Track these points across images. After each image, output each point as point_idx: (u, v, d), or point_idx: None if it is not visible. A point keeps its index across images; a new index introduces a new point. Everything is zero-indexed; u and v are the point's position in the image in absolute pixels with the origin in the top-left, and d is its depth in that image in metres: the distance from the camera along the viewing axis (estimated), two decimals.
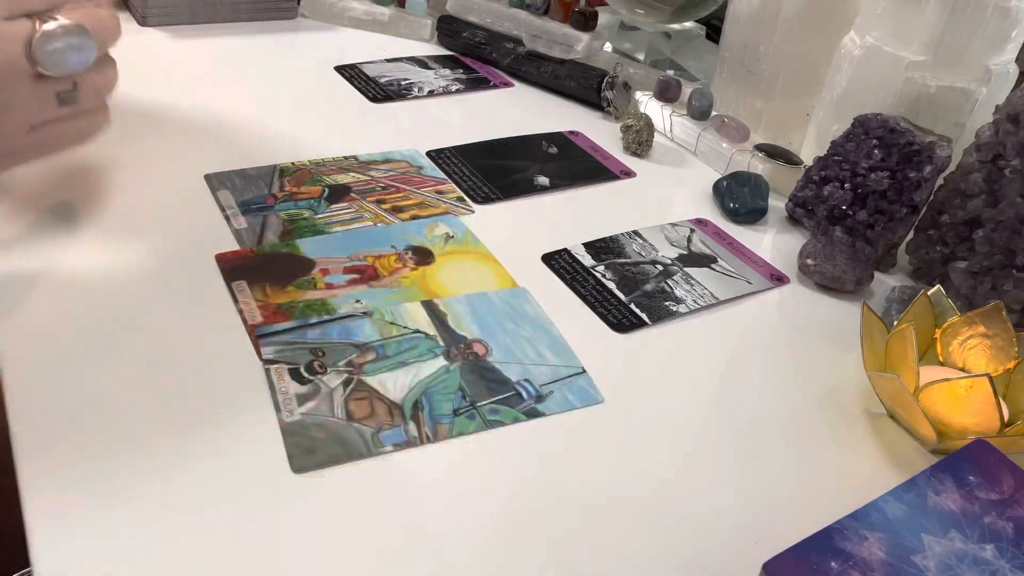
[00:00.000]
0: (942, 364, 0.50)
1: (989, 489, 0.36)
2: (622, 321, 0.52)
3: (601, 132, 0.74)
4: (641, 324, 0.52)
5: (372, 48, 0.82)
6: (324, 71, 0.77)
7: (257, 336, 0.45)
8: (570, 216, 0.62)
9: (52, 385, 0.41)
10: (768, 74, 0.72)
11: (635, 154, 0.71)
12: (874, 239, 0.59)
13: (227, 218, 0.55)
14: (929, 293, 0.50)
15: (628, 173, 0.68)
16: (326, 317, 0.48)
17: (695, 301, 0.54)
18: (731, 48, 0.75)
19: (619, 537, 0.38)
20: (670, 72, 0.82)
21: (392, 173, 0.63)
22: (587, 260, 0.57)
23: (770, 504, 0.41)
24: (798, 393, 0.49)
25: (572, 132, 0.73)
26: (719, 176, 0.67)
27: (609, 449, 0.43)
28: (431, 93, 0.76)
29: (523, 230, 0.59)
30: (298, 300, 0.48)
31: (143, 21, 0.78)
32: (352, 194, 0.59)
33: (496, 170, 0.65)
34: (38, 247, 0.49)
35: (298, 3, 0.85)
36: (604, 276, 0.55)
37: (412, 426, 0.42)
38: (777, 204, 0.66)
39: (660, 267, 0.57)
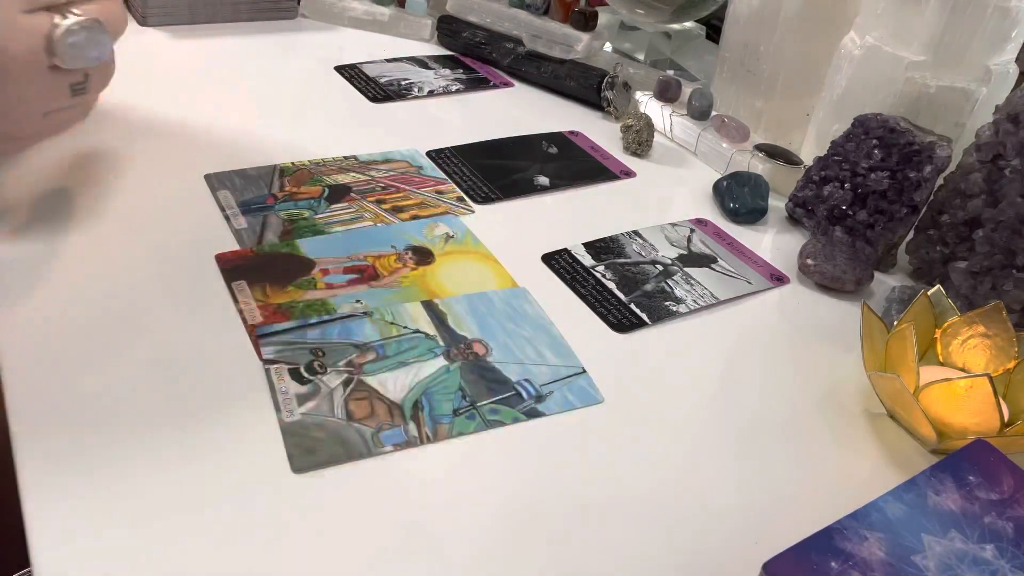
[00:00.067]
0: (942, 364, 0.50)
1: (989, 489, 0.36)
2: (622, 321, 0.52)
3: (601, 132, 0.74)
4: (641, 324, 0.52)
5: (372, 48, 0.82)
6: (324, 71, 0.77)
7: (257, 336, 0.45)
8: (570, 216, 0.62)
9: (52, 385, 0.41)
10: (768, 74, 0.72)
11: (635, 154, 0.71)
12: (874, 239, 0.59)
13: (227, 218, 0.55)
14: (929, 293, 0.50)
15: (628, 173, 0.68)
16: (326, 317, 0.48)
17: (695, 301, 0.54)
18: (731, 48, 0.75)
19: (619, 537, 0.38)
20: (670, 72, 0.82)
21: (392, 173, 0.63)
22: (587, 260, 0.57)
23: (770, 504, 0.41)
24: (798, 393, 0.49)
25: (572, 132, 0.73)
26: (719, 176, 0.67)
27: (609, 449, 0.43)
28: (431, 93, 0.76)
29: (523, 230, 0.59)
30: (298, 300, 0.49)
31: (143, 21, 0.78)
32: (352, 194, 0.59)
33: (496, 170, 0.65)
34: (38, 247, 0.49)
35: (298, 3, 0.85)
36: (604, 276, 0.55)
37: (412, 426, 0.42)
38: (777, 204, 0.66)
39: (660, 267, 0.57)
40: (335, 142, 0.65)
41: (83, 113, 0.50)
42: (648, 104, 0.75)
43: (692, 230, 0.62)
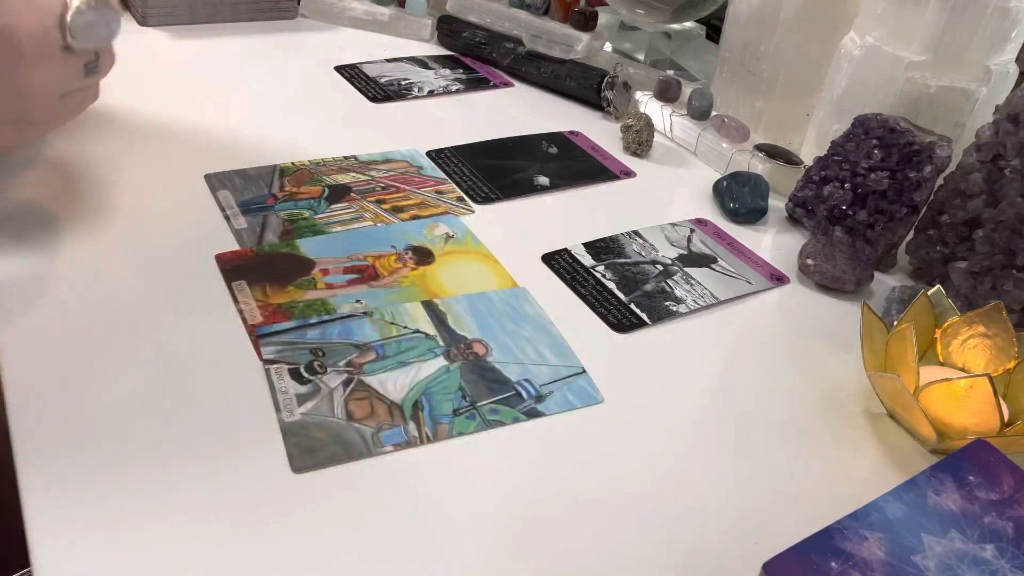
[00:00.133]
0: (942, 364, 0.50)
1: (989, 489, 0.36)
2: (622, 321, 0.52)
3: (601, 132, 0.74)
4: (641, 324, 0.52)
5: (372, 48, 0.82)
6: (324, 71, 0.77)
7: (257, 336, 0.45)
8: (570, 216, 0.62)
9: (52, 385, 0.41)
10: (768, 74, 0.72)
11: (635, 154, 0.71)
12: (874, 239, 0.59)
13: (227, 218, 0.55)
14: (929, 293, 0.50)
15: (628, 173, 0.68)
16: (326, 317, 0.48)
17: (695, 301, 0.54)
18: (731, 48, 0.75)
19: (619, 537, 0.38)
20: (670, 72, 0.82)
21: (392, 173, 0.63)
22: (587, 260, 0.57)
23: (770, 504, 0.41)
24: (798, 393, 0.49)
25: (572, 132, 0.73)
26: (719, 176, 0.67)
27: (609, 449, 0.43)
28: (431, 93, 0.76)
29: (523, 230, 0.59)
30: (298, 300, 0.49)
31: (143, 21, 0.78)
32: (352, 194, 0.59)
33: (496, 170, 0.65)
34: (38, 247, 0.49)
35: (298, 3, 0.85)
36: (604, 276, 0.55)
37: (412, 426, 0.42)
38: (777, 204, 0.66)
39: (660, 267, 0.57)
40: (335, 142, 0.65)
41: (95, 95, 0.51)
42: (648, 104, 0.75)
43: (692, 230, 0.62)
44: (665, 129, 0.75)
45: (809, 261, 0.58)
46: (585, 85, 0.77)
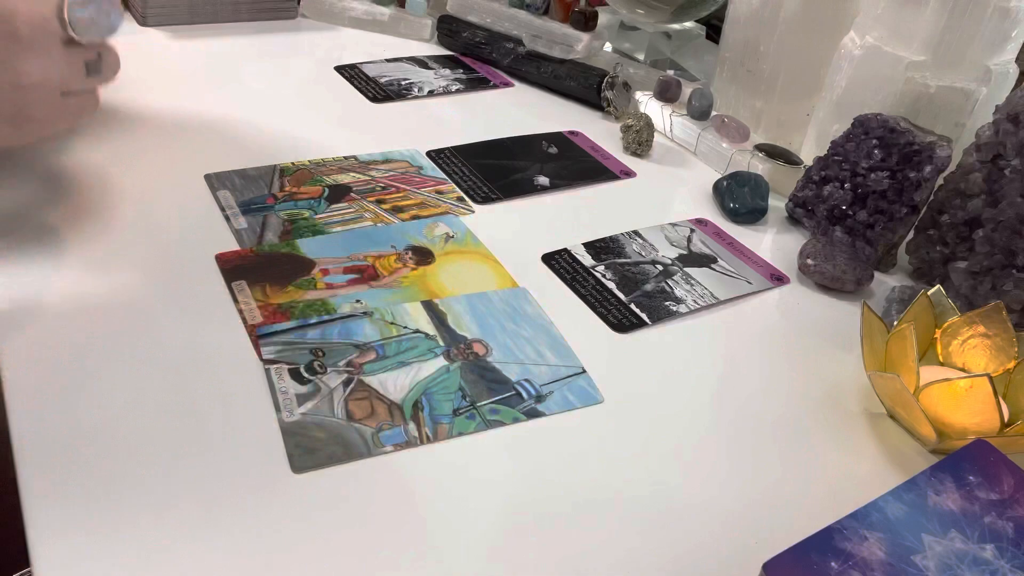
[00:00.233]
0: (942, 364, 0.50)
1: (989, 489, 0.36)
2: (622, 321, 0.52)
3: (601, 132, 0.74)
4: (641, 324, 0.52)
5: (372, 48, 0.82)
6: (324, 71, 0.77)
7: (257, 336, 0.45)
8: (570, 216, 0.62)
9: (52, 385, 0.41)
10: (768, 74, 0.72)
11: (635, 154, 0.71)
12: (874, 239, 0.59)
13: (227, 218, 0.55)
14: (929, 293, 0.50)
15: (628, 173, 0.68)
16: (326, 317, 0.48)
17: (695, 301, 0.54)
18: (731, 48, 0.75)
19: (619, 537, 0.38)
20: (670, 72, 0.82)
21: (392, 173, 0.63)
22: (587, 260, 0.57)
23: (770, 504, 0.41)
24: (798, 393, 0.49)
25: (572, 132, 0.73)
26: (719, 176, 0.67)
27: (609, 449, 0.43)
28: (431, 93, 0.76)
29: (523, 230, 0.59)
30: (298, 300, 0.49)
31: (143, 21, 0.78)
32: (352, 194, 0.59)
33: (496, 170, 0.65)
34: (38, 246, 0.49)
35: (298, 3, 0.85)
36: (604, 276, 0.55)
37: (412, 426, 0.42)
38: (777, 204, 0.66)
39: (660, 267, 0.57)
40: (335, 142, 0.65)
41: (95, 103, 0.50)
42: (648, 104, 0.75)
43: (692, 230, 0.62)
44: (665, 129, 0.75)
45: (809, 261, 0.58)
46: (585, 85, 0.77)
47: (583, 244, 0.58)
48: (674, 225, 0.62)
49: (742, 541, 0.39)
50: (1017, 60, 0.61)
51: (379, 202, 0.59)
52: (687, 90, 0.74)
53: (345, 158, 0.63)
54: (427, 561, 0.36)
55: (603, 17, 0.83)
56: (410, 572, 0.35)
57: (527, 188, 0.64)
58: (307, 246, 0.53)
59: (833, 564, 0.32)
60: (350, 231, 0.55)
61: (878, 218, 0.59)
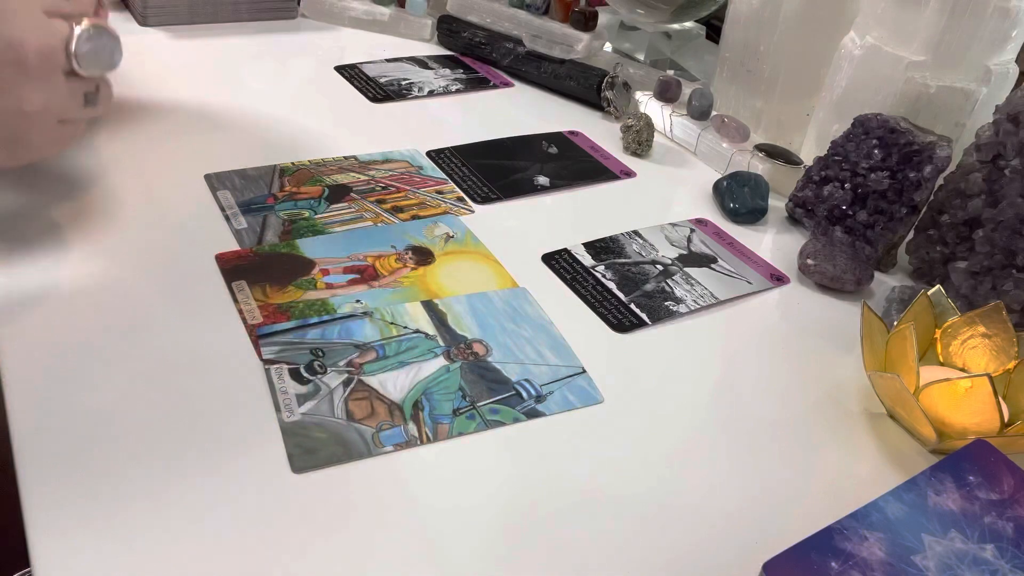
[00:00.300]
0: (942, 364, 0.50)
1: (989, 489, 0.36)
2: (622, 321, 0.52)
3: (601, 132, 0.74)
4: (641, 324, 0.52)
5: (372, 48, 0.82)
6: (324, 71, 0.77)
7: (257, 336, 0.45)
8: (570, 216, 0.62)
9: (52, 384, 0.41)
10: (768, 74, 0.72)
11: (635, 154, 0.71)
12: (874, 239, 0.59)
13: (227, 218, 0.55)
14: (929, 293, 0.50)
15: (628, 173, 0.68)
16: (326, 317, 0.48)
17: (695, 301, 0.54)
18: (731, 48, 0.75)
19: (619, 537, 0.38)
20: (670, 72, 0.82)
21: (392, 173, 0.63)
22: (587, 260, 0.57)
23: (770, 504, 0.41)
24: (798, 393, 0.49)
25: (572, 132, 0.73)
26: (719, 176, 0.67)
27: (609, 449, 0.43)
28: (431, 93, 0.76)
29: (523, 230, 0.59)
30: (298, 300, 0.49)
31: (143, 21, 0.78)
32: (352, 194, 0.59)
33: (496, 170, 0.65)
34: (38, 246, 0.49)
35: (298, 3, 0.85)
36: (604, 276, 0.55)
37: (412, 426, 0.42)
38: (777, 204, 0.66)
39: (660, 267, 0.57)
40: (335, 142, 0.65)
41: (84, 130, 0.52)
42: (648, 104, 0.75)
43: (692, 230, 0.62)
44: (665, 129, 0.75)
45: (809, 261, 0.58)
46: (585, 85, 0.77)
47: (583, 244, 0.58)
48: (674, 225, 0.62)
49: (742, 541, 0.39)
50: (1017, 60, 0.61)
51: (379, 202, 0.59)
52: (687, 90, 0.74)
53: (345, 158, 0.63)
54: (427, 561, 0.36)
55: (603, 17, 0.83)
56: (410, 572, 0.35)
57: (527, 188, 0.64)
58: (307, 246, 0.53)
59: (833, 564, 0.32)
60: (350, 231, 0.55)
61: (878, 218, 0.59)
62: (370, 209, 0.58)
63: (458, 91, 0.77)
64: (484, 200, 0.61)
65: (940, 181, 0.59)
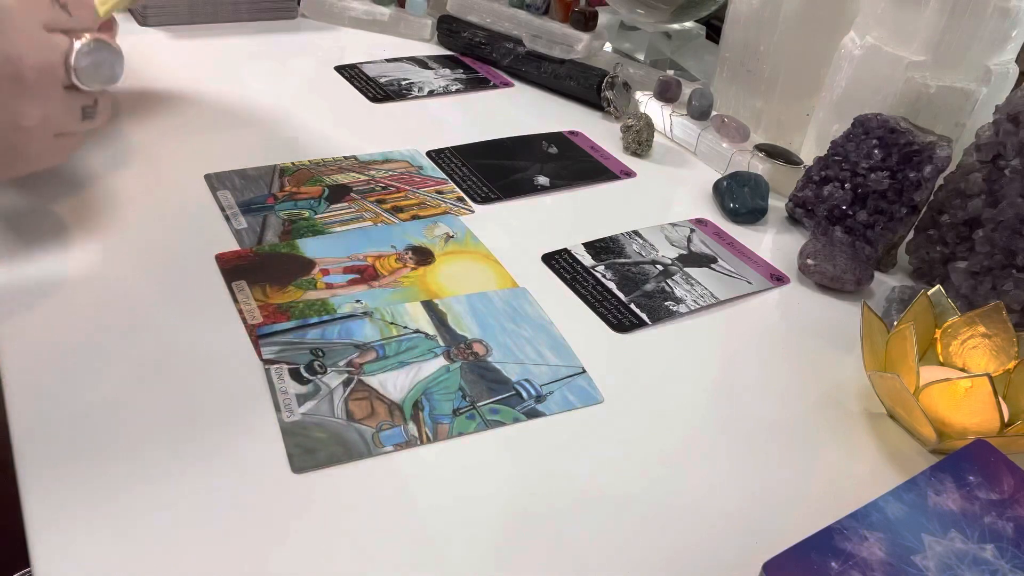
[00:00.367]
0: (942, 364, 0.50)
1: (989, 489, 0.36)
2: (622, 321, 0.52)
3: (601, 132, 0.74)
4: (641, 324, 0.52)
5: (372, 48, 0.82)
6: (324, 71, 0.77)
7: (257, 336, 0.45)
8: (570, 216, 0.62)
9: (52, 385, 0.41)
10: (768, 74, 0.72)
11: (635, 154, 0.71)
12: (874, 239, 0.59)
13: (227, 218, 0.55)
14: (929, 293, 0.50)
15: (628, 173, 0.68)
16: (326, 317, 0.48)
17: (695, 301, 0.54)
18: (731, 48, 0.75)
19: (619, 537, 0.38)
20: (670, 72, 0.82)
21: (392, 173, 0.63)
22: (587, 260, 0.57)
23: (770, 504, 0.41)
24: (798, 393, 0.49)
25: (572, 132, 0.73)
26: (719, 176, 0.67)
27: (609, 449, 0.43)
28: (431, 93, 0.76)
29: (523, 230, 0.59)
30: (298, 300, 0.49)
31: (143, 21, 0.78)
32: (352, 194, 0.59)
33: (496, 170, 0.65)
34: (38, 247, 0.49)
35: (298, 3, 0.85)
36: (604, 276, 0.55)
37: (412, 426, 0.42)
38: (777, 204, 0.66)
39: (660, 267, 0.57)
40: (335, 142, 0.65)
41: (83, 141, 0.52)
42: (648, 104, 0.75)
43: (692, 230, 0.62)
44: (665, 129, 0.75)
45: (809, 261, 0.58)
46: (585, 85, 0.77)
47: (583, 244, 0.58)
48: (674, 225, 0.62)
49: (742, 541, 0.39)
50: (1017, 60, 0.61)
51: (379, 202, 0.59)
52: (687, 90, 0.75)
53: (345, 158, 0.63)
54: (427, 561, 0.36)
55: (603, 17, 0.83)
56: (410, 572, 0.35)
57: (527, 188, 0.64)
58: (307, 246, 0.53)
59: (833, 564, 0.32)
60: (350, 231, 0.55)
61: (878, 218, 0.59)
62: (370, 209, 0.58)
63: (458, 91, 0.77)
64: (484, 200, 0.62)
65: (940, 181, 0.59)
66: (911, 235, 0.61)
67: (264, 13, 0.83)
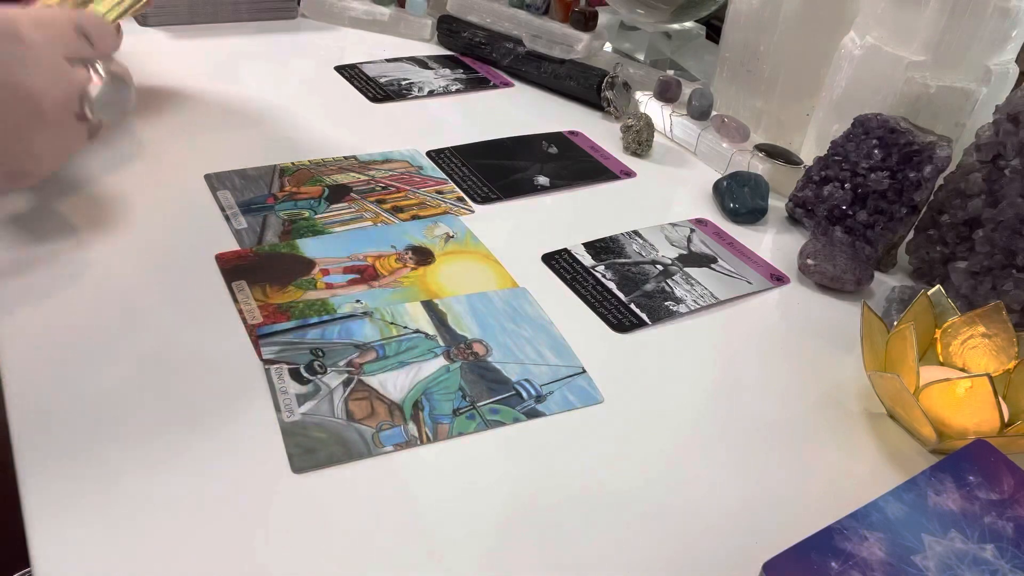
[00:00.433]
0: (942, 364, 0.50)
1: (989, 489, 0.36)
2: (622, 321, 0.52)
3: (601, 132, 0.74)
4: (641, 324, 0.52)
5: (372, 48, 0.82)
6: (324, 71, 0.77)
7: (257, 336, 0.45)
8: (570, 216, 0.62)
9: (52, 385, 0.41)
10: (768, 74, 0.72)
11: (635, 154, 0.71)
12: (874, 239, 0.59)
13: (227, 218, 0.55)
14: (929, 293, 0.50)
15: (628, 173, 0.68)
16: (326, 317, 0.48)
17: (695, 301, 0.54)
18: (731, 48, 0.75)
19: (619, 537, 0.38)
20: (670, 72, 0.82)
21: (392, 173, 0.63)
22: (587, 260, 0.57)
23: (770, 504, 0.41)
24: (798, 393, 0.49)
25: (572, 132, 0.73)
26: (719, 176, 0.67)
27: (609, 449, 0.43)
28: (431, 93, 0.76)
29: (523, 230, 0.59)
30: (298, 300, 0.49)
31: (143, 21, 0.78)
32: (352, 194, 0.59)
33: (496, 170, 0.65)
34: (38, 247, 0.49)
35: (298, 3, 0.85)
36: (604, 276, 0.55)
37: (412, 426, 0.42)
38: (777, 204, 0.66)
39: (660, 267, 0.57)
40: (335, 142, 0.65)
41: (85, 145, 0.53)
42: (648, 104, 0.75)
43: (692, 230, 0.62)
44: (665, 129, 0.75)
45: (809, 261, 0.58)
46: (585, 85, 0.77)
47: (583, 244, 0.58)
48: (674, 225, 0.62)
49: (742, 541, 0.39)
50: (1017, 60, 0.61)
51: (379, 202, 0.59)
52: (687, 90, 0.75)
53: (345, 158, 0.63)
54: (427, 561, 0.36)
55: (603, 17, 0.83)
56: (410, 572, 0.35)
57: (527, 188, 0.64)
58: (307, 246, 0.53)
59: (833, 564, 0.32)
60: (350, 231, 0.55)
61: (878, 218, 0.59)
62: (370, 209, 0.58)
63: (458, 91, 0.77)
64: (484, 200, 0.62)
65: (940, 181, 0.59)
66: (911, 235, 0.61)
67: (264, 13, 0.83)
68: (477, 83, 0.79)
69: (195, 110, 0.66)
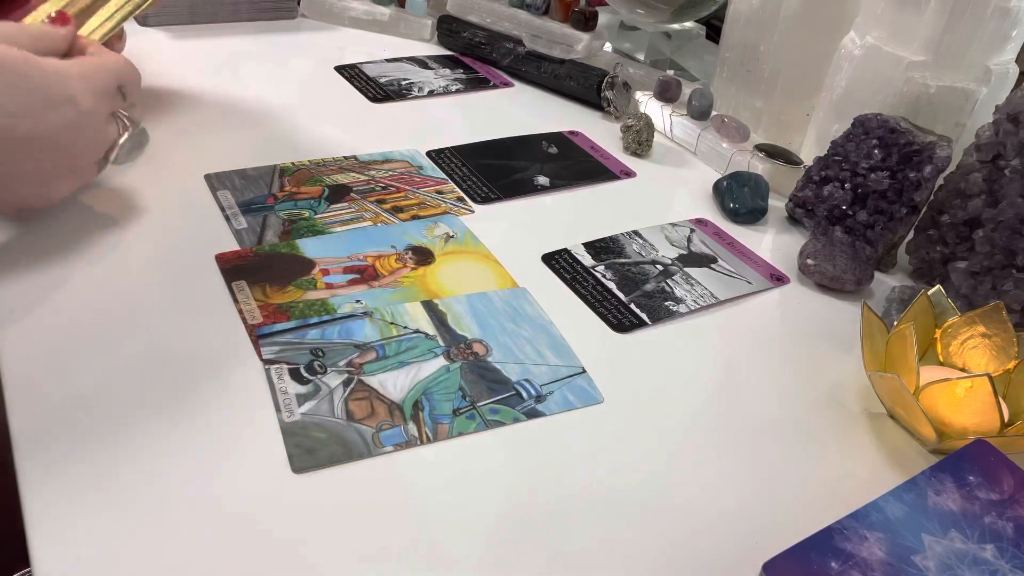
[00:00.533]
0: (942, 364, 0.50)
1: (989, 489, 0.36)
2: (622, 321, 0.52)
3: (601, 132, 0.74)
4: (641, 324, 0.52)
5: (372, 48, 0.82)
6: (324, 71, 0.77)
7: (257, 336, 0.45)
8: (570, 216, 0.62)
9: (52, 385, 0.41)
10: (768, 74, 0.72)
11: (635, 154, 0.71)
12: (874, 239, 0.59)
13: (227, 218, 0.55)
14: (929, 293, 0.50)
15: (628, 173, 0.68)
16: (326, 317, 0.48)
17: (695, 301, 0.54)
18: (731, 48, 0.75)
19: (619, 537, 0.38)
20: (670, 72, 0.82)
21: (392, 173, 0.63)
22: (587, 260, 0.57)
23: (770, 504, 0.41)
24: (798, 393, 0.49)
25: (572, 132, 0.73)
26: (719, 176, 0.67)
27: (609, 449, 0.43)
28: (431, 93, 0.76)
29: (523, 230, 0.59)
30: (298, 300, 0.49)
31: (143, 21, 0.78)
32: (352, 194, 0.59)
33: (496, 170, 0.65)
34: (38, 247, 0.49)
35: (298, 3, 0.85)
36: (604, 276, 0.55)
37: (412, 426, 0.42)
38: (777, 204, 0.66)
39: (660, 267, 0.57)
40: (335, 142, 0.65)
41: None
42: (648, 104, 0.75)
43: (692, 230, 0.62)
44: (665, 129, 0.75)
45: (809, 261, 0.58)
46: (585, 85, 0.77)
47: (583, 244, 0.58)
48: (674, 225, 0.62)
49: (742, 541, 0.39)
50: (1017, 60, 0.61)
51: (379, 202, 0.59)
52: (687, 90, 0.75)
53: (345, 158, 0.63)
54: (427, 561, 0.36)
55: (603, 17, 0.83)
56: (410, 572, 0.35)
57: (527, 188, 0.64)
58: (307, 246, 0.53)
59: (833, 564, 0.32)
60: (350, 231, 0.55)
61: (878, 218, 0.59)
62: (370, 209, 0.58)
63: (458, 91, 0.77)
64: (484, 200, 0.62)
65: (940, 181, 0.59)
66: (911, 235, 0.61)
67: (264, 13, 0.83)
68: (477, 83, 0.79)
69: (195, 110, 0.66)
